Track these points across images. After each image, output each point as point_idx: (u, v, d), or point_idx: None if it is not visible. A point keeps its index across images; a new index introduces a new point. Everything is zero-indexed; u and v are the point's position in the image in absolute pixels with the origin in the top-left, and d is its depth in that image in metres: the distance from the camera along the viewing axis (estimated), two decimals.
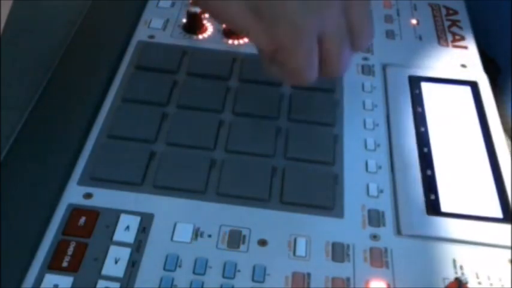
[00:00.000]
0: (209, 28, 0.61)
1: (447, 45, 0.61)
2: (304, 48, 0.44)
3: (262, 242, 0.44)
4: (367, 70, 0.58)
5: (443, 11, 0.66)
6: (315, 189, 0.48)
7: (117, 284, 0.41)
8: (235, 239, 0.44)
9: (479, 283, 0.43)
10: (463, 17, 0.65)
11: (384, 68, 0.59)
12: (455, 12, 0.66)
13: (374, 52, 0.60)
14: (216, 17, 0.48)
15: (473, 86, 0.57)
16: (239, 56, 0.58)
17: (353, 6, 0.45)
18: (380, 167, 0.50)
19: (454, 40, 0.62)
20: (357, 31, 0.46)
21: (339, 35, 0.45)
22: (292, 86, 0.55)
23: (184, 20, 0.62)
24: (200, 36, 0.61)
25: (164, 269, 0.42)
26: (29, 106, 0.53)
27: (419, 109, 0.54)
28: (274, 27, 0.44)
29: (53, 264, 0.42)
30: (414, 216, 0.46)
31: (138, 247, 0.43)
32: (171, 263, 0.42)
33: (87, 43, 0.60)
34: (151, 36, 0.60)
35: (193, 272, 0.42)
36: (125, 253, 0.43)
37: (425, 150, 0.51)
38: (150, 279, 0.41)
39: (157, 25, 0.62)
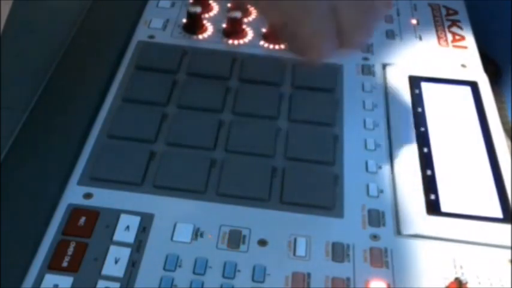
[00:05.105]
0: (209, 28, 0.61)
1: (447, 45, 0.61)
2: (313, 16, 0.43)
3: (262, 242, 0.44)
4: (367, 70, 0.58)
5: (443, 11, 0.66)
6: (315, 189, 0.47)
7: (117, 284, 0.41)
8: (235, 239, 0.44)
9: (479, 283, 0.43)
10: (463, 17, 0.65)
11: (384, 68, 0.59)
12: (455, 12, 0.66)
13: (374, 52, 0.60)
14: None
15: (473, 86, 0.57)
16: (239, 56, 0.58)
17: None
18: (380, 167, 0.50)
19: (454, 40, 0.62)
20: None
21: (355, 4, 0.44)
22: (308, 62, 0.51)
23: (184, 20, 0.62)
24: (200, 36, 0.61)
25: (164, 269, 0.42)
26: (29, 106, 0.53)
27: (419, 109, 0.54)
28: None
29: (53, 264, 0.42)
30: (414, 216, 0.46)
31: (138, 247, 0.43)
32: (171, 263, 0.42)
33: (87, 43, 0.60)
34: (151, 36, 0.60)
35: (193, 272, 0.42)
36: (124, 253, 0.43)
37: (425, 150, 0.51)
38: (150, 279, 0.41)
39: (157, 25, 0.62)
